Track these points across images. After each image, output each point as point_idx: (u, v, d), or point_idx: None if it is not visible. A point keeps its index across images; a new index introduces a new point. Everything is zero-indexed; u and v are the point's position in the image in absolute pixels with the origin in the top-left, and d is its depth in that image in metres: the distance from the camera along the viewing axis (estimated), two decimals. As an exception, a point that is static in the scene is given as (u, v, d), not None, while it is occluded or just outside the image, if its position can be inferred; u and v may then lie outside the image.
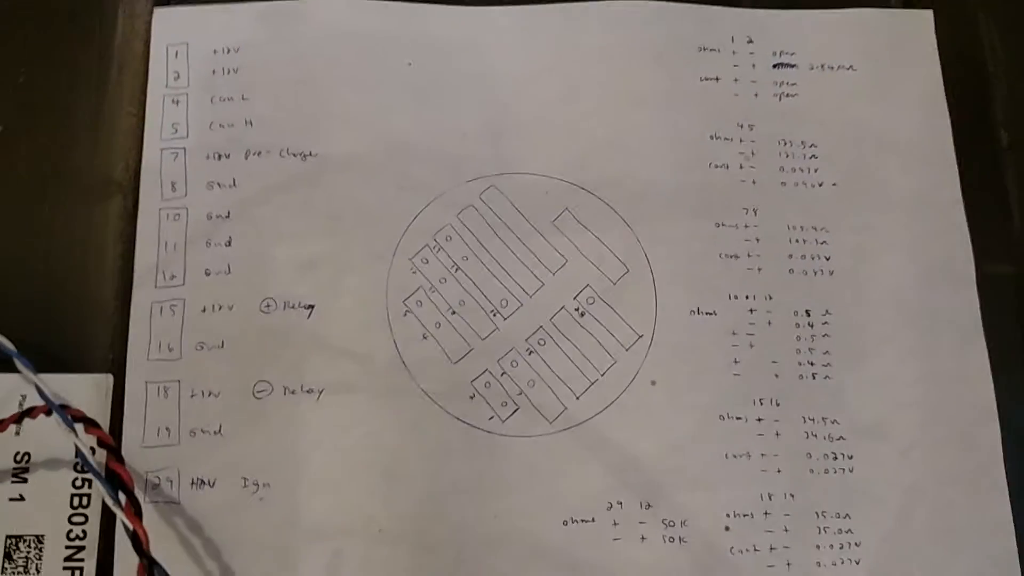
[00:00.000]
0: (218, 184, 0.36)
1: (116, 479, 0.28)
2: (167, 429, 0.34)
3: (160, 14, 0.38)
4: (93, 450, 0.32)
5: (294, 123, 0.37)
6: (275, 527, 0.33)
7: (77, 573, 0.33)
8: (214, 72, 0.38)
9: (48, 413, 0.30)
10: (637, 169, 0.37)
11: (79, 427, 0.29)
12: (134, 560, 0.30)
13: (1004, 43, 0.40)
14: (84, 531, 0.34)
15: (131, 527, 0.27)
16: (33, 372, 0.30)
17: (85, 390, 0.35)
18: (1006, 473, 0.35)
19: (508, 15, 0.39)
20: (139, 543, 0.27)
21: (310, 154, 0.37)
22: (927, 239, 0.37)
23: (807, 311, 0.36)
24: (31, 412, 0.31)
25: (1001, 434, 0.35)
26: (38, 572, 0.33)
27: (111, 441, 0.30)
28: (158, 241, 0.36)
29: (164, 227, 0.36)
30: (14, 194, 0.37)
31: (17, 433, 0.34)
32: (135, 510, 0.28)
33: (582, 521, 0.34)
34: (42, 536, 0.33)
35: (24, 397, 0.34)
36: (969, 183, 0.38)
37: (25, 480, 0.34)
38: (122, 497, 0.28)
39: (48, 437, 0.34)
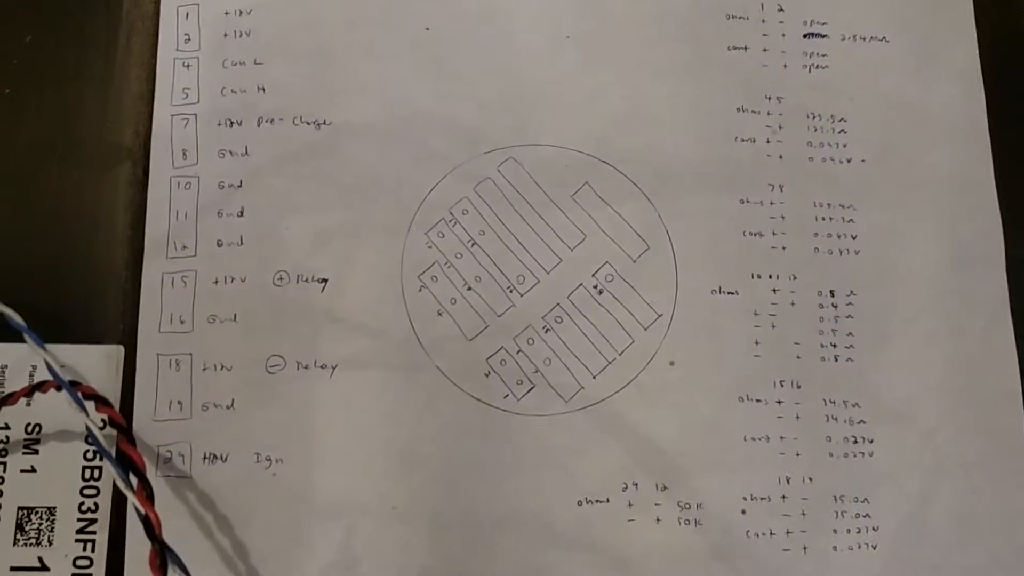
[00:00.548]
0: (230, 152, 0.36)
1: (127, 460, 0.28)
2: (179, 403, 0.33)
3: (170, -26, 0.37)
4: (104, 424, 0.32)
5: (308, 90, 0.36)
6: (288, 503, 0.33)
7: (89, 546, 0.33)
8: (226, 35, 0.37)
9: (58, 388, 0.29)
10: (660, 142, 0.36)
11: (90, 405, 0.29)
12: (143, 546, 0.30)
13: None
14: (96, 503, 0.33)
15: (143, 511, 0.26)
16: (42, 347, 0.30)
17: (96, 361, 0.34)
18: (1030, 458, 0.35)
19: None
20: (151, 527, 0.26)
21: (324, 122, 0.36)
22: (956, 219, 0.36)
23: (831, 292, 0.36)
24: (41, 386, 0.31)
25: (1025, 419, 0.35)
26: (50, 544, 0.33)
27: (122, 421, 0.30)
28: (169, 210, 0.35)
29: (175, 196, 0.35)
30: (21, 160, 0.36)
31: (28, 404, 0.34)
32: (147, 493, 0.28)
33: (597, 502, 0.33)
34: (54, 508, 0.33)
35: (35, 368, 0.34)
36: (1002, 161, 0.37)
37: (36, 452, 0.34)
38: (134, 480, 0.28)
39: (59, 408, 0.33)
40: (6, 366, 0.34)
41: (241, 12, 0.37)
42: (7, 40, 0.37)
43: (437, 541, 0.33)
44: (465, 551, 0.33)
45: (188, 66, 0.36)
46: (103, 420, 0.32)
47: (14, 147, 0.36)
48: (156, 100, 0.36)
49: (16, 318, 0.30)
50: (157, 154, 0.36)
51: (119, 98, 0.36)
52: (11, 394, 0.32)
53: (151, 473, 0.33)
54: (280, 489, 0.33)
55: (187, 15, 0.37)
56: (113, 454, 0.30)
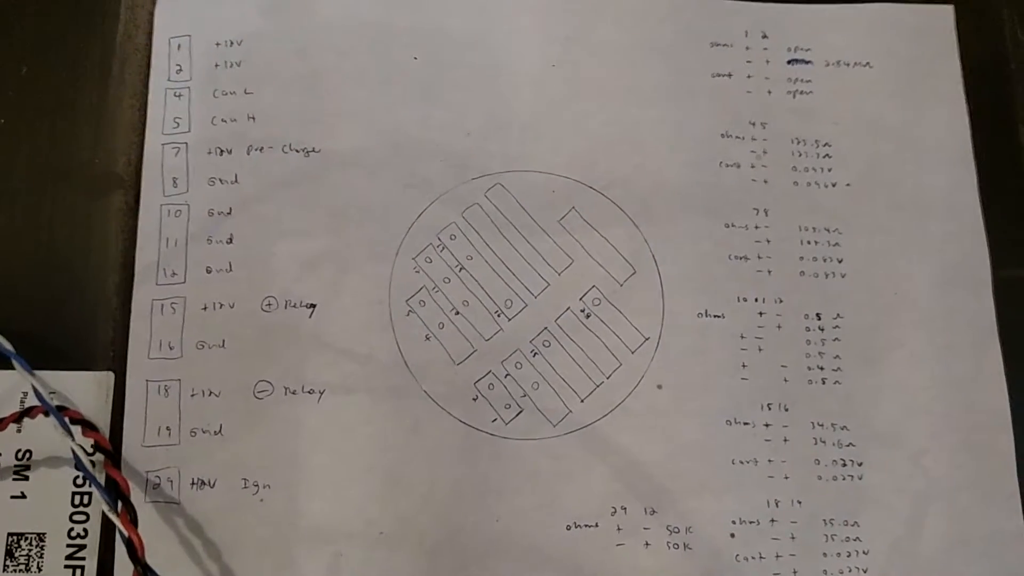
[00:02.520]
0: (220, 180, 0.36)
1: (113, 484, 0.28)
2: (167, 428, 0.34)
3: (163, 5, 0.38)
4: (93, 451, 0.32)
5: (297, 118, 0.37)
6: (275, 528, 0.33)
7: (79, 572, 0.33)
8: (216, 65, 0.37)
9: (47, 414, 0.29)
10: (646, 168, 0.37)
11: (76, 429, 0.29)
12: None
13: (1027, 38, 0.39)
14: (85, 529, 0.33)
15: (126, 534, 0.26)
16: (30, 372, 0.30)
17: (86, 388, 0.35)
18: (1019, 481, 0.34)
19: (518, 8, 0.38)
20: (134, 550, 0.26)
21: (313, 150, 0.36)
22: (942, 241, 0.36)
23: (818, 314, 0.36)
24: (30, 412, 0.31)
25: (1015, 441, 0.35)
26: (39, 570, 0.33)
27: (108, 446, 0.30)
28: (159, 237, 0.35)
29: (165, 223, 0.36)
30: (15, 188, 0.36)
31: (19, 431, 0.34)
32: (131, 516, 0.28)
33: (585, 526, 0.33)
34: (43, 534, 0.33)
35: (25, 394, 0.34)
36: (987, 183, 0.37)
37: (27, 478, 0.34)
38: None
39: (49, 435, 0.33)
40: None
41: (231, 43, 0.37)
42: (3, 72, 0.37)
43: (425, 567, 0.33)
44: (454, 574, 0.33)
45: (179, 96, 0.37)
46: (91, 446, 0.32)
47: (9, 175, 0.36)
48: (148, 129, 0.37)
49: (5, 344, 0.30)
50: (148, 182, 0.36)
51: (112, 127, 0.37)
52: (0, 420, 0.32)
53: (140, 499, 0.33)
54: (268, 514, 0.33)
55: (179, 46, 0.37)
56: (101, 480, 0.30)
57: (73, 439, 0.28)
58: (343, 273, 0.35)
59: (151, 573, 0.26)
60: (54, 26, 0.38)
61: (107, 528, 0.33)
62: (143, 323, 0.35)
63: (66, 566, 0.33)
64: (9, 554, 0.33)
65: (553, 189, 0.36)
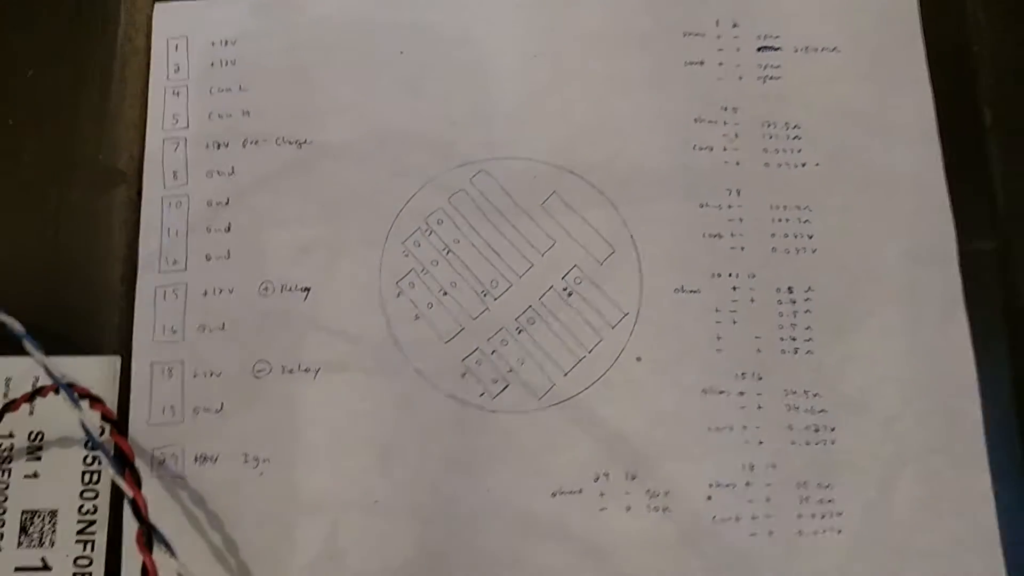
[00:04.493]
0: (217, 172, 0.38)
1: (119, 451, 0.30)
2: (172, 408, 0.35)
3: (160, 9, 0.40)
4: (102, 430, 0.34)
5: (290, 112, 0.38)
6: (275, 500, 0.35)
7: (89, 546, 0.35)
8: (212, 64, 0.39)
9: (56, 391, 0.31)
10: (623, 152, 0.38)
11: (84, 403, 0.31)
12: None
13: (990, 22, 0.41)
14: (95, 506, 0.35)
15: (131, 494, 0.28)
16: (40, 352, 0.32)
17: (94, 371, 0.36)
18: (986, 445, 0.36)
19: (497, 3, 0.40)
20: (138, 510, 0.28)
21: (305, 142, 0.38)
22: (909, 217, 0.38)
23: (789, 288, 0.37)
24: (41, 391, 0.33)
25: (982, 406, 0.36)
26: (52, 545, 0.35)
27: (113, 415, 0.32)
28: (161, 228, 0.37)
29: (167, 214, 0.37)
30: (23, 185, 0.38)
31: (31, 413, 0.36)
32: (135, 480, 0.29)
33: (570, 493, 0.35)
34: (55, 511, 0.35)
35: (37, 379, 0.36)
36: (952, 161, 0.39)
37: (39, 458, 0.36)
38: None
39: (60, 417, 0.35)
40: (10, 378, 0.36)
41: (226, 42, 0.39)
42: (11, 75, 0.39)
43: (418, 533, 0.34)
44: (445, 542, 0.34)
45: (178, 94, 0.39)
46: (101, 427, 0.34)
47: (17, 173, 0.38)
48: (148, 126, 0.39)
49: (16, 325, 0.32)
50: (150, 176, 0.38)
51: (114, 125, 0.39)
52: (13, 401, 0.34)
53: (146, 474, 0.34)
54: (267, 487, 0.35)
55: (176, 47, 0.39)
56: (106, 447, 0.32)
57: (81, 411, 0.30)
58: (336, 258, 0.37)
59: (154, 531, 0.28)
60: (58, 32, 0.40)
61: (116, 504, 0.35)
62: (147, 309, 0.37)
63: (77, 540, 0.35)
64: (23, 530, 0.35)
65: (535, 174, 0.38)
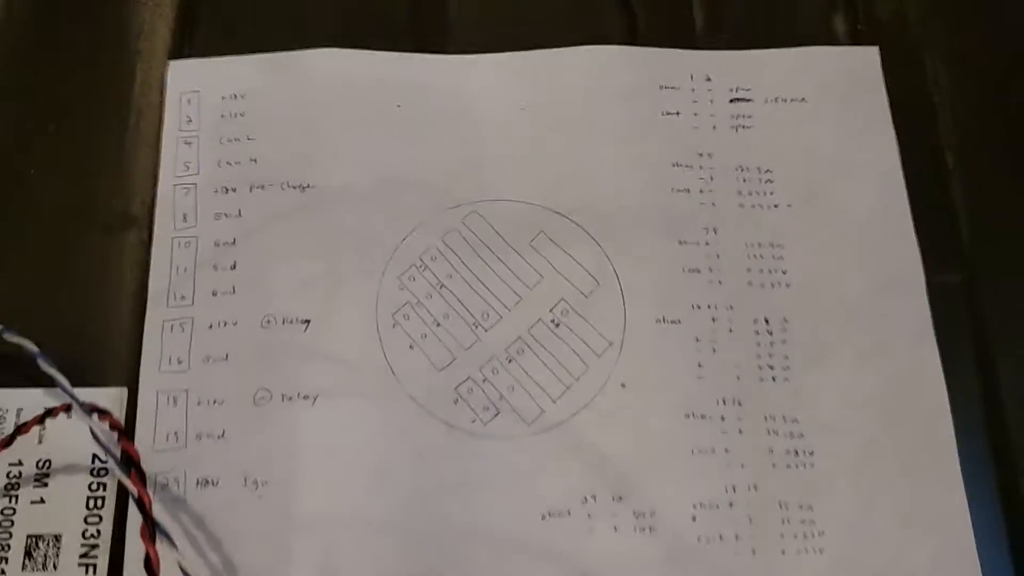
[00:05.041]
0: (225, 215, 0.40)
1: (126, 456, 0.31)
2: (175, 434, 0.37)
3: (174, 67, 0.43)
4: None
5: (294, 160, 0.41)
6: (273, 521, 0.36)
7: (91, 569, 0.36)
8: (222, 116, 0.42)
9: (68, 410, 0.33)
10: (606, 194, 0.41)
11: (94, 416, 0.33)
12: (143, 555, 0.33)
13: (948, 75, 0.44)
14: (98, 530, 0.36)
15: (136, 492, 0.30)
16: (53, 368, 0.33)
17: (103, 401, 0.38)
18: (960, 465, 0.37)
19: (486, 61, 0.43)
20: (143, 505, 0.29)
21: (308, 186, 0.41)
22: (878, 252, 0.40)
23: (766, 319, 0.39)
24: (53, 411, 0.34)
25: (955, 428, 0.38)
26: (55, 569, 0.36)
27: (120, 425, 0.33)
28: (170, 266, 0.39)
29: (176, 254, 0.40)
30: (43, 228, 0.41)
31: (39, 442, 0.37)
32: (140, 479, 0.31)
33: (559, 515, 0.36)
34: (60, 535, 0.36)
35: (46, 410, 0.38)
36: (919, 201, 0.41)
37: (46, 484, 0.37)
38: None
39: (68, 445, 0.37)
40: (21, 409, 0.38)
41: (235, 96, 0.42)
42: (35, 129, 0.42)
43: (411, 553, 0.36)
44: (438, 562, 0.35)
45: (189, 144, 0.42)
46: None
47: (38, 217, 0.41)
48: (161, 173, 0.41)
49: (31, 346, 0.34)
50: (161, 219, 0.40)
51: (129, 173, 0.42)
52: (25, 423, 0.35)
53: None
54: (266, 508, 0.36)
55: (189, 101, 0.42)
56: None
57: (91, 419, 0.32)
58: (335, 292, 0.39)
59: (158, 526, 0.29)
60: (78, 88, 0.43)
61: (118, 530, 0.36)
62: (155, 341, 0.38)
63: (80, 564, 0.36)
64: (28, 554, 0.36)
65: (524, 215, 0.41)
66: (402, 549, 0.36)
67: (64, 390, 0.32)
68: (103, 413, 0.33)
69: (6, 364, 0.37)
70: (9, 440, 0.35)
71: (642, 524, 0.36)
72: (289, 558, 0.35)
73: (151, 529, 0.29)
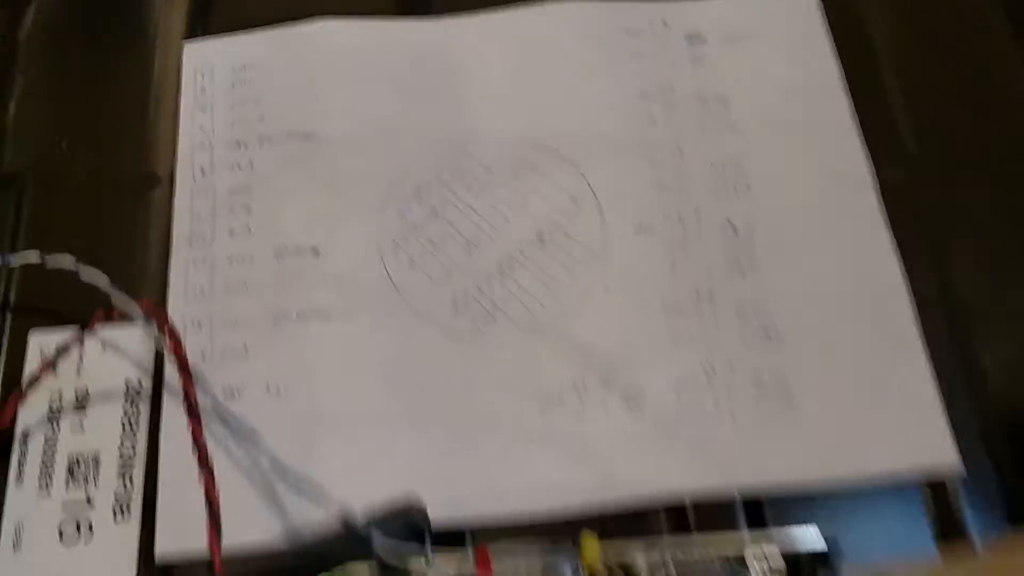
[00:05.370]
0: (238, 166, 0.45)
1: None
2: (201, 353, 0.41)
3: (189, 48, 0.48)
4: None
5: (297, 114, 0.46)
6: (294, 420, 0.39)
7: (128, 480, 0.39)
8: (233, 85, 0.47)
9: (108, 318, 0.37)
10: (583, 126, 0.45)
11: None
12: (174, 473, 0.38)
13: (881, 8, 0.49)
14: (133, 447, 0.40)
15: (172, 359, 0.33)
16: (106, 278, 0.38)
17: (134, 336, 0.42)
18: (921, 338, 0.41)
19: (468, 21, 0.49)
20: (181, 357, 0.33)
21: (311, 135, 0.45)
22: (828, 158, 0.44)
23: (732, 224, 0.43)
24: (109, 314, 0.39)
25: (913, 305, 0.41)
26: (96, 483, 0.39)
27: (168, 319, 0.38)
28: (191, 214, 0.44)
29: (196, 203, 0.44)
30: (75, 193, 0.45)
31: (78, 373, 0.41)
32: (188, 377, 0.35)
33: (555, 404, 0.39)
34: (98, 455, 0.40)
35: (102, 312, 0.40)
36: (862, 109, 0.45)
37: (84, 410, 0.41)
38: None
39: (104, 374, 0.41)
40: (63, 347, 0.41)
41: (245, 67, 0.47)
42: (63, 104, 0.47)
43: (425, 441, 0.39)
44: (450, 449, 0.39)
45: (204, 110, 0.46)
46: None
47: (70, 183, 0.45)
48: (180, 137, 0.46)
49: (70, 262, 0.38)
50: (182, 175, 0.45)
51: (152, 139, 0.46)
52: (88, 321, 0.39)
53: (175, 410, 0.39)
54: (287, 410, 0.39)
55: (203, 75, 0.47)
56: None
57: (140, 310, 0.36)
58: (340, 223, 0.43)
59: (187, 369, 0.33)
60: (103, 71, 0.48)
61: (151, 447, 0.39)
62: (180, 276, 0.42)
63: (117, 477, 0.39)
64: (70, 472, 0.39)
65: (509, 148, 0.45)
66: (415, 437, 0.39)
67: (115, 295, 0.37)
68: (153, 311, 0.38)
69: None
70: (52, 363, 0.40)
71: (630, 405, 0.39)
72: (311, 450, 0.39)
73: (193, 408, 0.33)
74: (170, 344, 0.38)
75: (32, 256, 0.40)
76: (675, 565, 0.34)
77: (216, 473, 0.36)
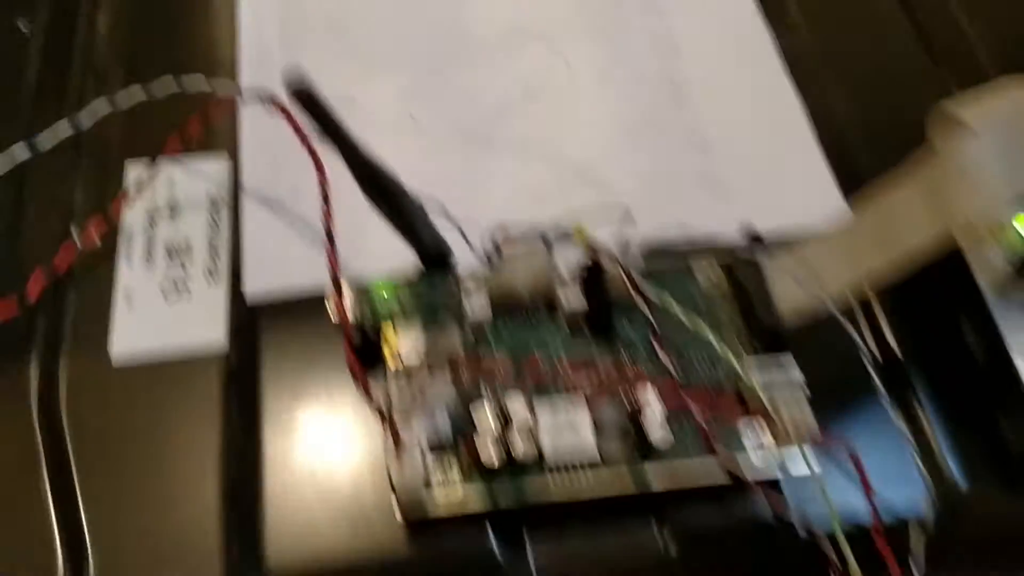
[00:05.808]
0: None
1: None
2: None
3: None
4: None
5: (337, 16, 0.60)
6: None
7: (216, 263, 0.50)
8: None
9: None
10: (551, 14, 0.61)
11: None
12: (256, 221, 0.49)
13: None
14: (218, 237, 0.51)
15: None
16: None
17: (213, 165, 0.53)
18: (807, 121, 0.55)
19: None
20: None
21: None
22: (732, 30, 0.60)
23: (670, 78, 0.58)
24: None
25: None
26: (190, 264, 0.50)
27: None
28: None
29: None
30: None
31: (171, 188, 0.52)
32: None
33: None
34: (190, 243, 0.51)
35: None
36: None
37: (176, 213, 0.51)
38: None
39: (188, 189, 0.52)
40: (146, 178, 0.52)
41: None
42: (145, 23, 0.60)
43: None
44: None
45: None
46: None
47: (153, 74, 0.56)
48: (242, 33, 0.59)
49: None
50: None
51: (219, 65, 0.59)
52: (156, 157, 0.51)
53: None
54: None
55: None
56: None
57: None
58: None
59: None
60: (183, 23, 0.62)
61: (235, 235, 0.51)
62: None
63: (207, 257, 0.50)
64: (169, 255, 0.50)
65: (496, 38, 0.59)
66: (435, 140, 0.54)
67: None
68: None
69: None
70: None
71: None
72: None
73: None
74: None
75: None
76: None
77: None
